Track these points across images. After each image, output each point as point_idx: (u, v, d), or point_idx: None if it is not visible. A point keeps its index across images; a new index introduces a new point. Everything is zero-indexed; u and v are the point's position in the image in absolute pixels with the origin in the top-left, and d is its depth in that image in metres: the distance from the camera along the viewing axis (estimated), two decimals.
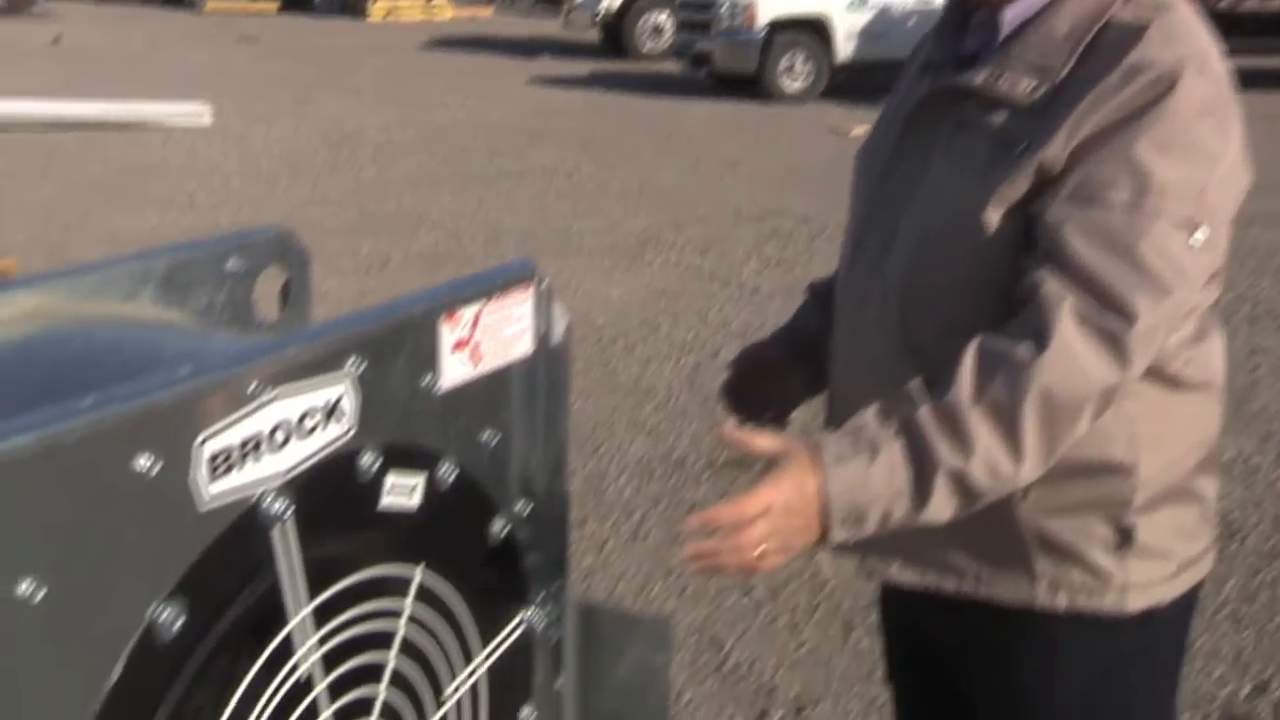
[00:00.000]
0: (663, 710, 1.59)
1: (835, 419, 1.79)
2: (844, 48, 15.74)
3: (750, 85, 15.53)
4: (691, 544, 1.55)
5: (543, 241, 8.38)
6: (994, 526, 1.64)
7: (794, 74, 15.64)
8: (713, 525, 1.52)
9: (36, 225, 8.62)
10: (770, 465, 1.52)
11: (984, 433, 1.49)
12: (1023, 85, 1.60)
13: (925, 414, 1.50)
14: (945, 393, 1.50)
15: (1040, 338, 1.49)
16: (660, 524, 4.40)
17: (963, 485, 1.50)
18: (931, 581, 1.73)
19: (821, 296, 2.00)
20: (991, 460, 1.49)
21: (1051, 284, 1.51)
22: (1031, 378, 1.48)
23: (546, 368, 1.51)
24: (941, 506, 1.51)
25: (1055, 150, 1.55)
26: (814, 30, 15.69)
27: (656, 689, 1.58)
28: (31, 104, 8.75)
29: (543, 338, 1.49)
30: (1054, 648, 1.71)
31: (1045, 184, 1.56)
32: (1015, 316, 1.54)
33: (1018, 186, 1.57)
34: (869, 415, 1.53)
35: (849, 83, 15.31)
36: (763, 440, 1.55)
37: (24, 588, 0.94)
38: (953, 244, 1.64)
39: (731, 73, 15.82)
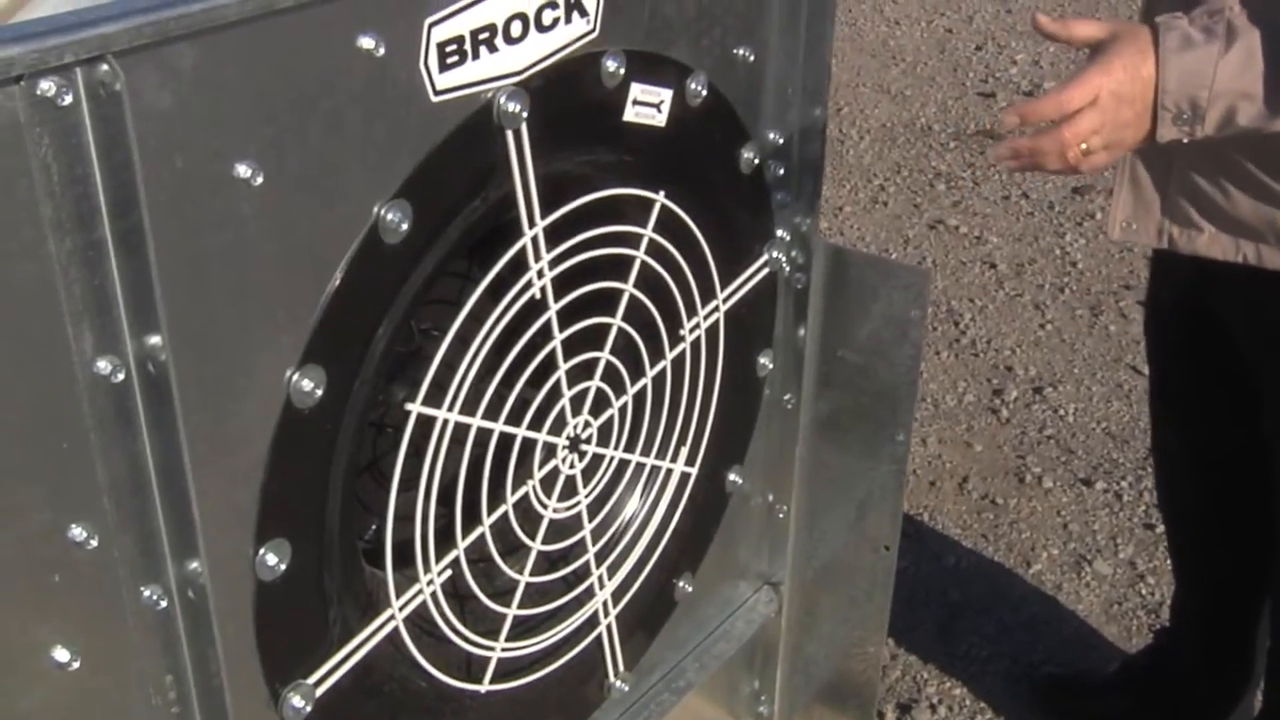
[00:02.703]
0: (913, 368, 1.47)
1: None
2: None
3: None
4: (1009, 141, 1.37)
5: None
6: None
7: None
8: (1033, 119, 1.35)
9: None
10: (1098, 50, 1.34)
11: None
12: None
13: None
14: None
15: None
16: (900, 191, 4.20)
17: None
18: (1246, 254, 1.55)
19: None
20: None
21: None
22: None
23: None
24: None
25: None
26: None
27: (908, 345, 1.46)
28: None
29: None
30: None
31: None
32: None
33: None
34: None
35: None
36: (1086, 25, 1.36)
37: (243, 169, 0.86)
38: None
39: None
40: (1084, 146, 1.32)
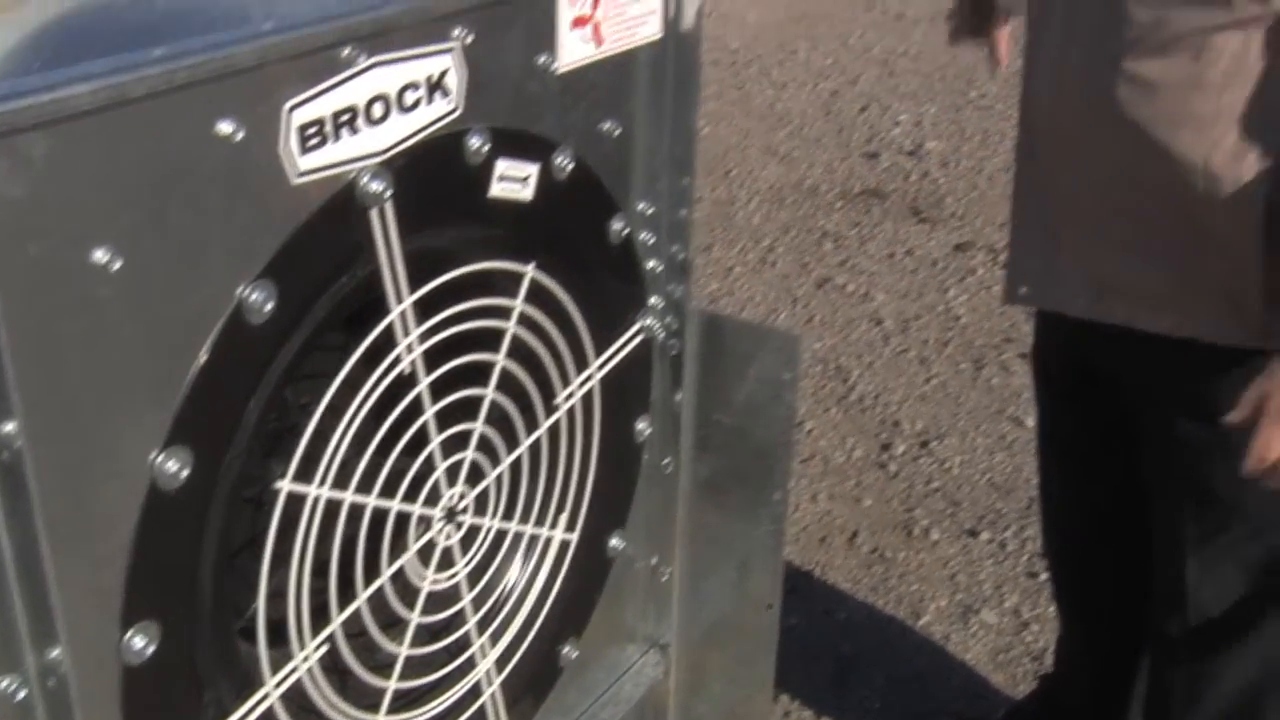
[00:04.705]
0: (786, 430, 1.50)
1: (1036, 154, 1.66)
2: None
3: None
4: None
5: None
6: (1220, 268, 1.52)
7: None
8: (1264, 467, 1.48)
9: None
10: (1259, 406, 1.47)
11: None
12: None
13: None
14: None
15: None
16: (789, 251, 4.27)
17: None
18: (1122, 317, 1.62)
19: None
20: None
21: None
22: None
23: (676, 55, 1.37)
24: None
25: None
26: None
27: (782, 408, 1.49)
28: None
29: (672, 21, 1.35)
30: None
31: None
32: None
33: None
34: None
35: None
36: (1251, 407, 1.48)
37: (100, 255, 0.86)
38: None
39: None
40: None
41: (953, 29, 1.96)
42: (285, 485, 1.09)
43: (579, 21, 1.23)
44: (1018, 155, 1.74)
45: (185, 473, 0.96)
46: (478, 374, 1.26)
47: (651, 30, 1.33)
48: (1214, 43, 1.46)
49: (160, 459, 0.94)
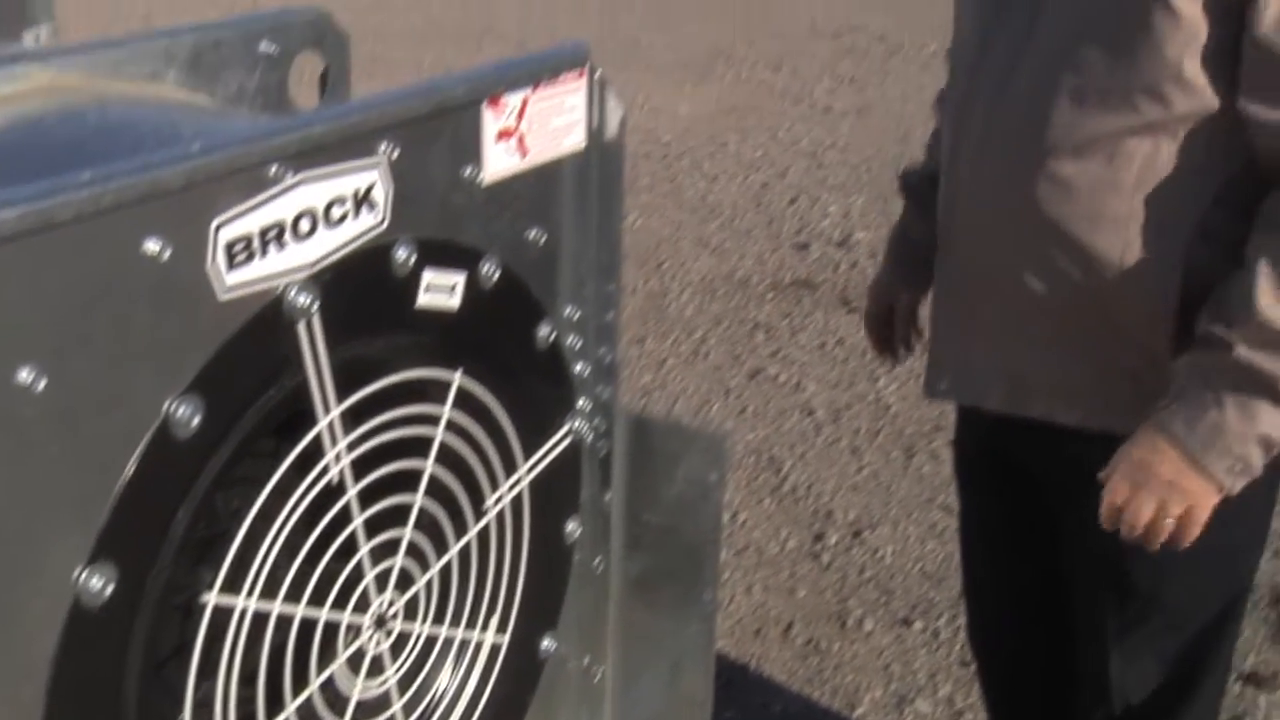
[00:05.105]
0: (715, 529, 1.52)
1: (954, 251, 1.70)
2: None
3: None
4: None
5: (610, 54, 8.13)
6: (1134, 363, 1.57)
7: None
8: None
9: (100, 25, 8.50)
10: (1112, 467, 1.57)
11: None
12: None
13: (1243, 351, 1.47)
14: (1251, 305, 1.47)
15: None
16: (721, 342, 4.32)
17: None
18: (1039, 412, 1.67)
19: (917, 193, 1.91)
20: None
21: None
22: None
23: (600, 164, 1.40)
24: None
25: None
26: None
27: (710, 507, 1.51)
28: None
29: (596, 131, 1.39)
30: None
31: None
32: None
33: None
34: (1187, 376, 1.51)
35: None
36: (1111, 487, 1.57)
37: (24, 375, 0.87)
38: (1109, 37, 1.51)
39: None
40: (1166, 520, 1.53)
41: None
42: (212, 597, 1.09)
43: (504, 134, 1.26)
44: (937, 254, 1.79)
45: (110, 589, 0.96)
46: (407, 480, 1.27)
47: (576, 140, 1.36)
48: (1126, 146, 1.52)
49: (84, 576, 0.94)
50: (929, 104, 2.00)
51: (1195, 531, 1.54)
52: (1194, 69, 1.48)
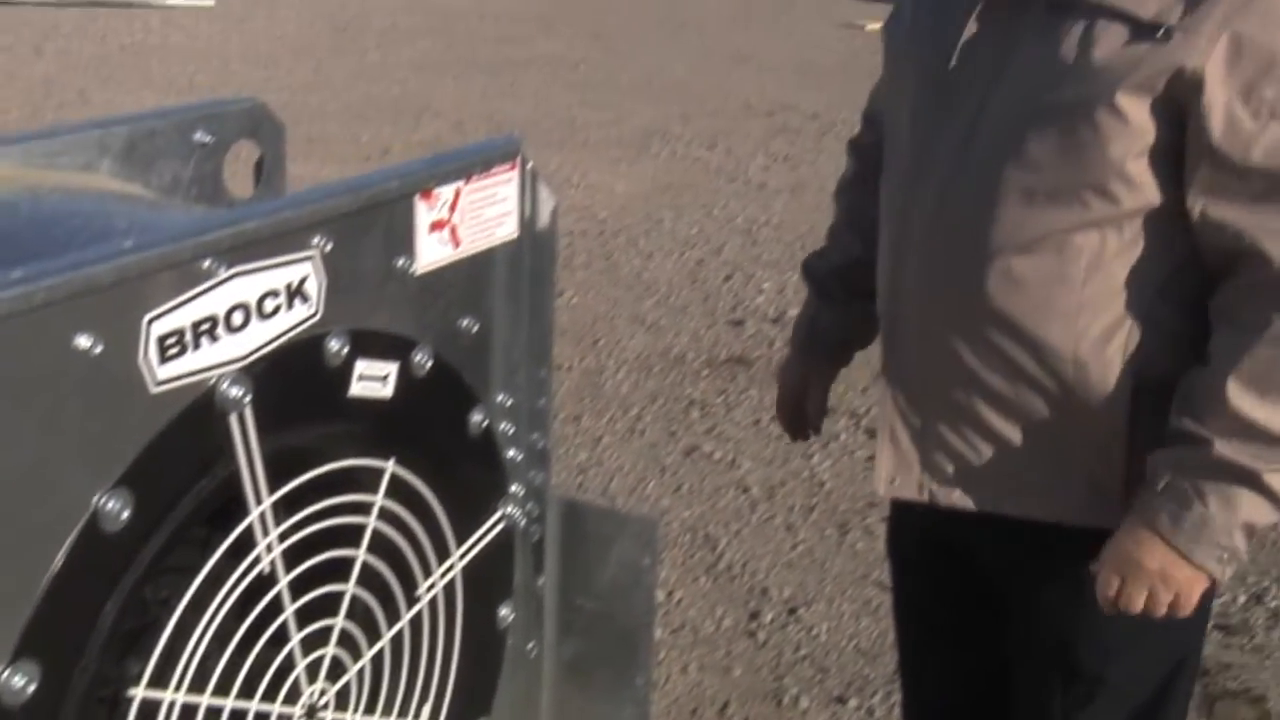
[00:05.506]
0: (648, 613, 1.53)
1: (902, 346, 1.73)
2: None
3: None
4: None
5: (547, 132, 8.22)
6: (1086, 454, 1.62)
7: None
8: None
9: (33, 101, 8.47)
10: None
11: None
12: None
13: (1220, 445, 1.51)
14: (1220, 399, 1.50)
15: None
16: (656, 420, 4.34)
17: None
18: (990, 505, 1.69)
19: (825, 285, 1.98)
20: None
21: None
22: None
23: (531, 253, 1.42)
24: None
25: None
26: None
27: (642, 590, 1.52)
28: None
29: (528, 221, 1.41)
30: None
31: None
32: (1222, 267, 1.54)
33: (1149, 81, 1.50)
34: (1167, 471, 1.55)
35: None
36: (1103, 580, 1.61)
37: None
38: (1057, 136, 1.55)
39: None
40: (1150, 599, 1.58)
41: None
42: (139, 692, 1.08)
43: (437, 225, 1.28)
44: (882, 350, 1.80)
45: (32, 687, 0.95)
46: (339, 568, 1.27)
47: (508, 230, 1.38)
48: (1074, 241, 1.56)
49: (6, 675, 0.94)
50: None
51: (1189, 610, 1.59)
52: (1139, 168, 1.52)
